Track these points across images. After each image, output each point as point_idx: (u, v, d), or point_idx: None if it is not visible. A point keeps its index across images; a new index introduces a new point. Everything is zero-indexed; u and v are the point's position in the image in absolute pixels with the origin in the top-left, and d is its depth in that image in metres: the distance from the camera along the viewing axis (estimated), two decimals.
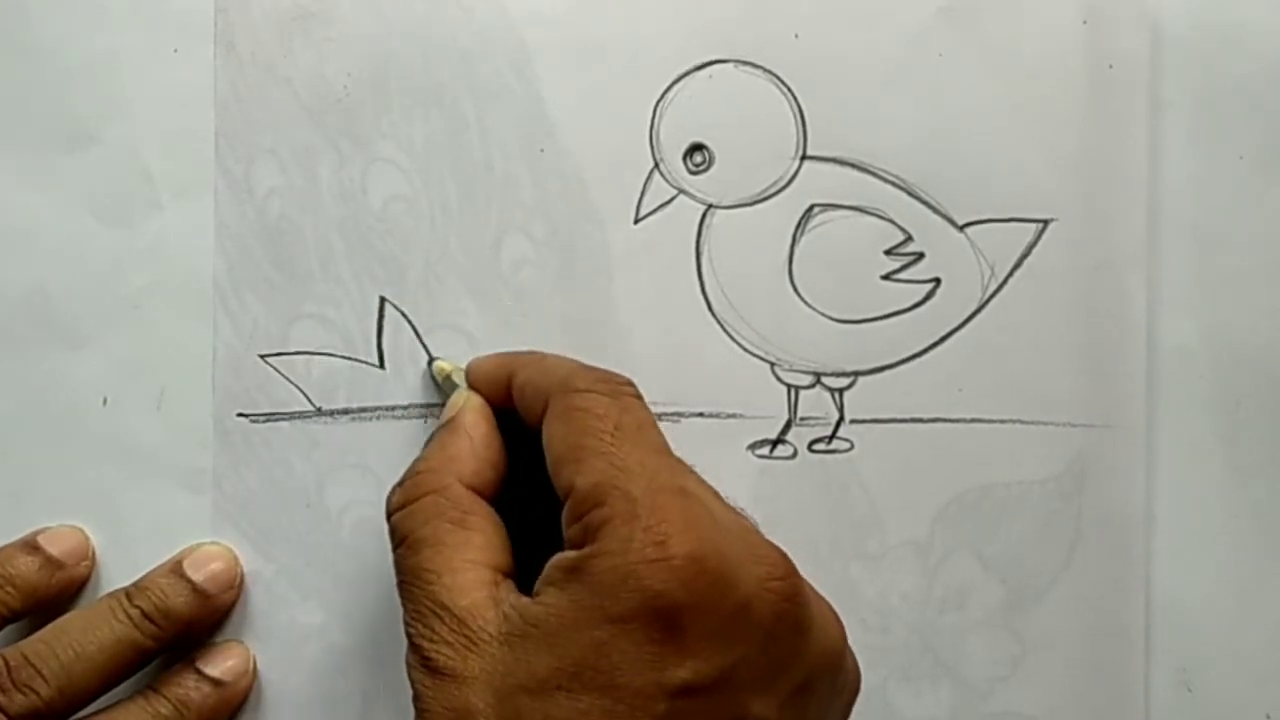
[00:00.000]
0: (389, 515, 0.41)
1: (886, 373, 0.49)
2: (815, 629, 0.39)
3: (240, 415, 0.47)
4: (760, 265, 0.48)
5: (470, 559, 0.39)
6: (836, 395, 0.48)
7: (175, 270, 0.47)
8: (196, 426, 0.47)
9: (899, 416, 0.49)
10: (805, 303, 0.48)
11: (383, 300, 0.47)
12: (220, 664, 0.46)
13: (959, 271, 0.49)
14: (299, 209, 0.47)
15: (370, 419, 0.47)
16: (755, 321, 0.48)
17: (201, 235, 0.47)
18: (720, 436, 0.48)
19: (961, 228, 0.49)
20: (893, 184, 0.48)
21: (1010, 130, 0.49)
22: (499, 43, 0.48)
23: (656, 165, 0.48)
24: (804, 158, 0.48)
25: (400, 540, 0.41)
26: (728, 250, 0.48)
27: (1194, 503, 0.50)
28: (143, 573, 0.46)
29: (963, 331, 0.49)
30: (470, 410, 0.43)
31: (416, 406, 0.47)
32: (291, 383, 0.47)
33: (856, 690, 0.41)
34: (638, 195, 0.48)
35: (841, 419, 0.48)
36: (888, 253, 0.49)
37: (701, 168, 0.48)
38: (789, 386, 0.48)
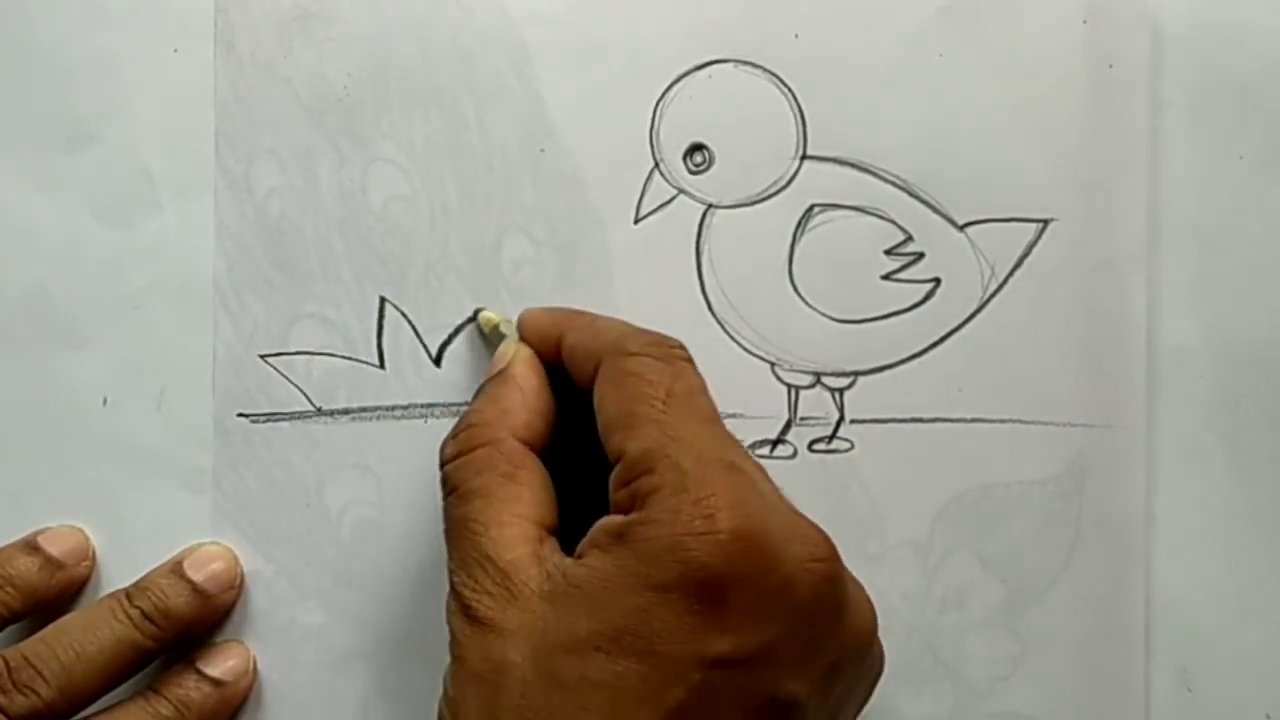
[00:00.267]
0: (442, 465, 0.42)
1: (886, 373, 0.49)
2: (850, 611, 0.39)
3: (240, 415, 0.47)
4: (760, 265, 0.48)
5: (518, 514, 0.40)
6: (836, 395, 0.48)
7: (175, 270, 0.47)
8: (196, 426, 0.47)
9: (899, 416, 0.49)
10: (805, 303, 0.48)
11: (383, 300, 0.47)
12: (220, 664, 0.46)
13: (959, 271, 0.49)
14: (299, 209, 0.47)
15: (370, 419, 0.47)
16: (755, 321, 0.48)
17: (201, 235, 0.47)
18: None
19: (961, 228, 0.49)
20: (893, 184, 0.48)
21: (1010, 130, 0.49)
22: (499, 43, 0.48)
23: (656, 165, 0.48)
24: (804, 158, 0.48)
25: (451, 490, 0.41)
26: (728, 250, 0.48)
27: (1194, 503, 0.50)
28: (143, 573, 0.46)
29: (963, 331, 0.49)
30: (521, 361, 0.44)
31: (416, 406, 0.47)
32: (291, 383, 0.47)
33: (880, 674, 0.42)
34: (638, 195, 0.48)
35: (841, 419, 0.48)
36: (888, 253, 0.49)
37: (701, 168, 0.48)
38: (789, 386, 0.48)
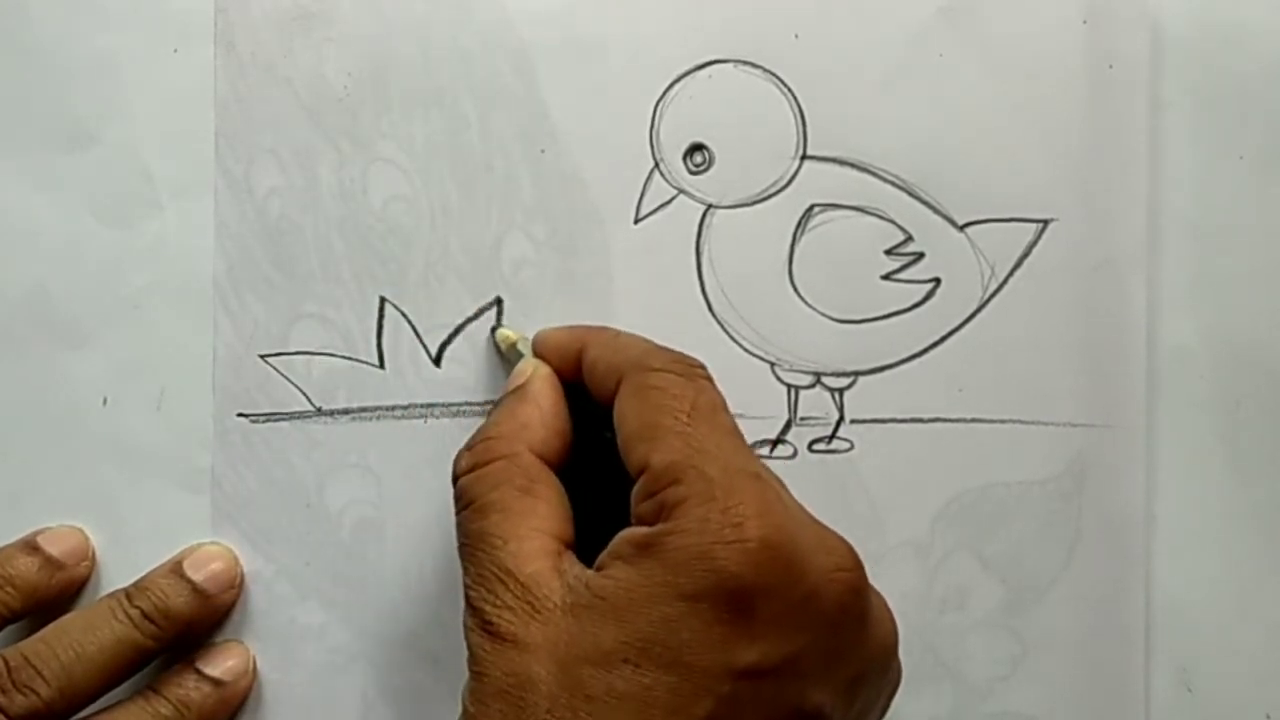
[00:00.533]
0: (456, 478, 0.42)
1: (886, 373, 0.49)
2: (873, 622, 0.39)
3: (240, 415, 0.47)
4: (760, 265, 0.48)
5: (535, 527, 0.39)
6: (836, 395, 0.48)
7: (175, 270, 0.47)
8: (196, 426, 0.47)
9: (899, 416, 0.49)
10: (805, 303, 0.48)
11: (383, 300, 0.47)
12: (220, 664, 0.46)
13: (959, 271, 0.49)
14: (299, 209, 0.47)
15: (370, 419, 0.47)
16: (755, 321, 0.48)
17: (201, 235, 0.47)
18: None
19: (961, 228, 0.49)
20: (893, 184, 0.48)
21: (1010, 130, 0.49)
22: (499, 43, 0.48)
23: (656, 165, 0.48)
24: (804, 158, 0.48)
25: (466, 504, 0.41)
26: (728, 250, 0.48)
27: (1194, 503, 0.50)
28: (143, 573, 0.46)
29: (963, 331, 0.49)
30: (539, 379, 0.44)
31: (416, 406, 0.47)
32: (291, 383, 0.47)
33: (897, 688, 0.42)
34: (638, 195, 0.48)
35: (841, 419, 0.48)
36: (888, 253, 0.49)
37: (701, 168, 0.48)
38: (789, 386, 0.48)
